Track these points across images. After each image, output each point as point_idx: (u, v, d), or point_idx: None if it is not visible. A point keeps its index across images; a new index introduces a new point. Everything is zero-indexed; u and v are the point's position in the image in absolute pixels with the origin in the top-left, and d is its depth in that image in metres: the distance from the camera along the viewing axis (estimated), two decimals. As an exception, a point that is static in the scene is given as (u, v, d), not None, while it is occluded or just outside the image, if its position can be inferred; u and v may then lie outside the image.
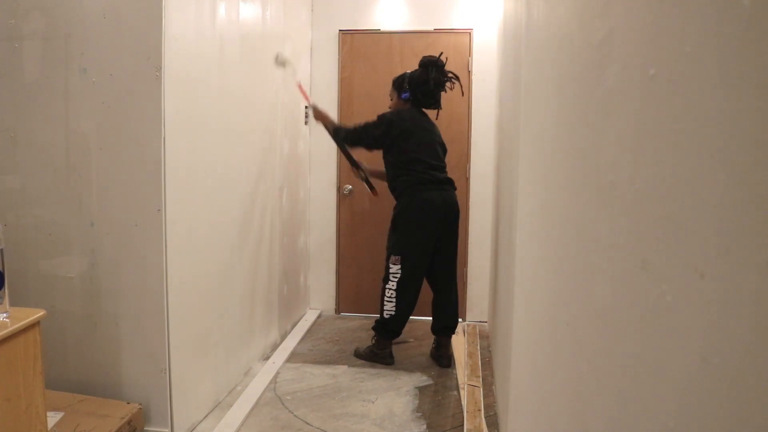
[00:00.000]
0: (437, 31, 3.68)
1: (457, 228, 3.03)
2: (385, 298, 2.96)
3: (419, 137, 2.92)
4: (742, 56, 0.38)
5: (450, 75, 3.01)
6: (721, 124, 0.41)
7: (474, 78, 3.66)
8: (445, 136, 3.71)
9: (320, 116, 3.10)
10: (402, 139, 2.90)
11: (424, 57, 3.03)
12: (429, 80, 2.94)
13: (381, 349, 3.03)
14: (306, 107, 3.32)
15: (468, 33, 3.65)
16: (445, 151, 3.08)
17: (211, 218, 2.36)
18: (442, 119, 3.74)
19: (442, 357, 3.04)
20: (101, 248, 2.04)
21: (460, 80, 3.07)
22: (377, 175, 3.21)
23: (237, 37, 2.53)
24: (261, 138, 2.91)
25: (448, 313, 3.06)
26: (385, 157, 3.03)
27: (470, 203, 3.73)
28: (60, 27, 1.99)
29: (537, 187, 1.29)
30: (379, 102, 3.73)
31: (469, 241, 3.75)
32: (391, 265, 2.94)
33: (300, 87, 3.30)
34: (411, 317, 3.80)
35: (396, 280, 2.92)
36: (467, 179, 3.72)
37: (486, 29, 3.62)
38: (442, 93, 3.04)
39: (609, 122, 0.68)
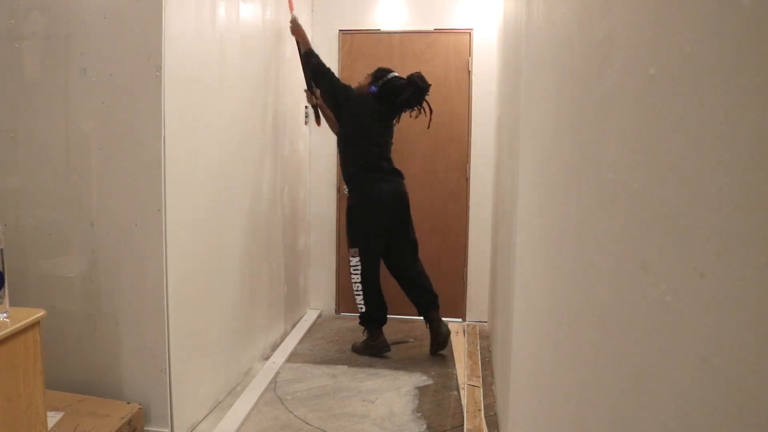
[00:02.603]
0: (437, 31, 3.68)
1: (408, 215, 3.16)
2: (355, 293, 3.10)
3: (369, 124, 3.03)
4: (742, 56, 0.38)
5: (423, 106, 3.06)
6: (721, 124, 0.41)
7: (474, 78, 3.66)
8: (445, 136, 3.73)
9: (297, 31, 3.12)
10: (353, 114, 3.03)
11: (418, 77, 3.03)
12: (401, 97, 3.00)
13: (374, 340, 3.10)
14: (305, 90, 3.30)
15: (468, 33, 3.65)
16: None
17: (211, 218, 2.36)
18: (442, 119, 3.74)
19: (440, 329, 3.09)
20: (101, 248, 2.03)
21: (431, 114, 3.10)
22: (327, 117, 3.28)
23: (237, 37, 2.53)
24: (261, 138, 2.91)
25: (425, 287, 3.14)
26: (339, 131, 3.16)
27: (470, 203, 3.73)
28: (60, 27, 1.99)
29: (537, 187, 1.29)
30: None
31: (469, 241, 3.75)
32: (350, 258, 3.08)
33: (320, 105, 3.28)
34: (410, 317, 3.83)
35: (358, 272, 3.06)
36: (467, 179, 3.72)
37: (486, 29, 3.62)
38: (411, 113, 3.11)
39: (609, 122, 0.68)
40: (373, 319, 3.09)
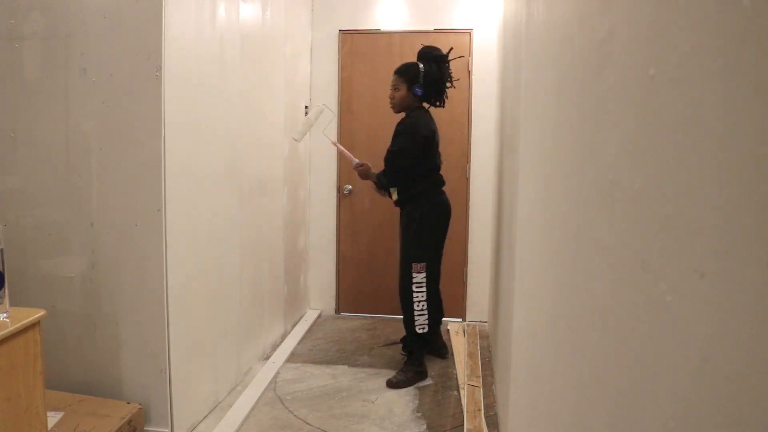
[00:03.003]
0: (437, 31, 3.68)
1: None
2: (416, 312, 2.78)
3: (437, 142, 2.83)
4: (742, 56, 0.38)
5: (450, 71, 2.89)
6: (721, 124, 0.41)
7: (474, 78, 3.66)
8: (445, 136, 3.72)
9: (364, 173, 2.86)
10: (428, 149, 2.76)
11: (430, 50, 2.81)
12: (445, 78, 2.81)
13: (419, 366, 2.82)
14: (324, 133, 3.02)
15: (468, 33, 3.65)
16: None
17: (211, 218, 2.36)
18: (442, 119, 3.74)
19: (441, 347, 3.06)
20: (101, 248, 2.04)
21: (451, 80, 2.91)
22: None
23: (237, 37, 2.53)
24: (261, 138, 2.91)
25: (439, 307, 3.00)
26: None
27: (470, 203, 3.73)
28: (60, 27, 1.99)
29: (537, 187, 1.29)
30: (379, 102, 3.73)
31: (469, 241, 3.75)
32: (414, 274, 2.77)
33: (337, 146, 2.94)
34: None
35: (422, 290, 2.77)
36: (467, 179, 3.72)
37: (486, 29, 3.62)
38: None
39: (609, 122, 0.68)
40: (425, 342, 2.87)
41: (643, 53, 0.57)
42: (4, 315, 1.34)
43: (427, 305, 2.78)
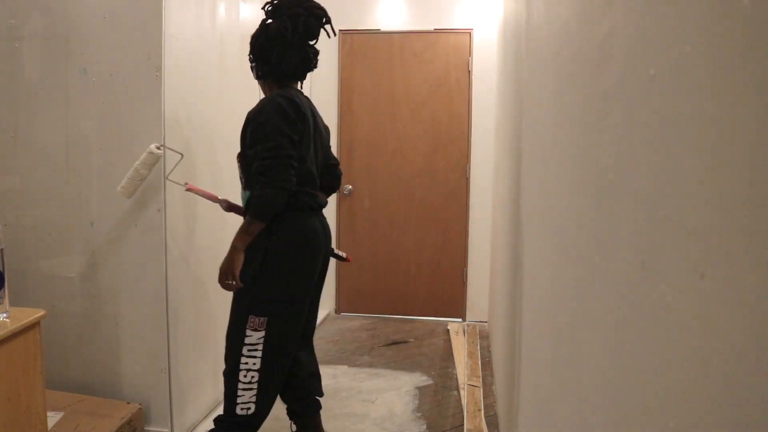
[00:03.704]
0: (437, 31, 3.68)
1: (326, 270, 2.03)
2: (240, 385, 1.78)
3: (309, 139, 1.84)
4: (743, 56, 0.38)
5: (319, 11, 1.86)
6: (721, 124, 0.41)
7: (474, 78, 3.66)
8: (445, 136, 3.72)
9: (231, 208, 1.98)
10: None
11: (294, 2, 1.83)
12: (283, 33, 1.80)
13: None
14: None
15: (468, 33, 3.65)
16: (329, 162, 2.05)
17: (211, 218, 2.36)
18: (441, 119, 3.74)
19: None
20: (101, 248, 2.03)
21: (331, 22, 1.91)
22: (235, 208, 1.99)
23: (237, 37, 2.53)
24: (261, 138, 2.91)
25: (317, 380, 2.10)
26: (242, 158, 1.92)
27: (470, 203, 3.73)
28: (60, 27, 1.99)
29: (537, 186, 1.29)
30: (379, 102, 3.74)
31: (469, 241, 3.76)
32: (249, 333, 1.76)
33: (193, 189, 1.97)
34: (410, 317, 3.83)
35: (257, 356, 1.77)
36: (467, 179, 3.73)
37: (486, 29, 3.62)
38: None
39: (609, 122, 0.68)
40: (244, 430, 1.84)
41: (643, 53, 0.57)
42: (4, 315, 1.34)
43: (260, 378, 1.79)
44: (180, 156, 2.02)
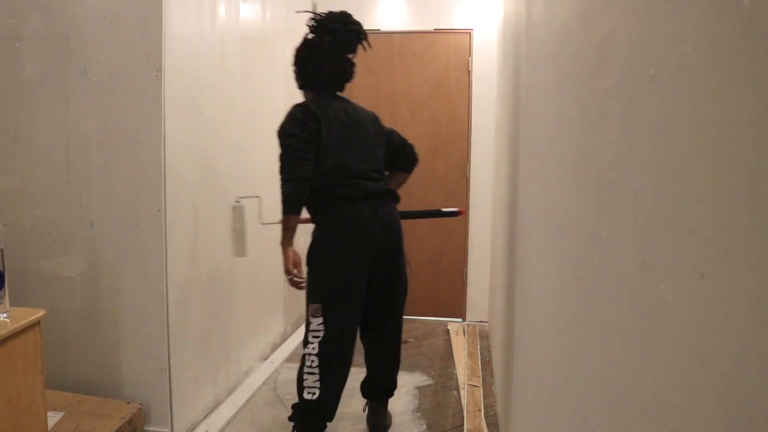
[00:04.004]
0: (437, 31, 3.68)
1: (400, 257, 2.10)
2: (305, 369, 1.94)
3: (337, 135, 2.02)
4: (743, 56, 0.38)
5: (355, 27, 2.08)
6: (721, 124, 0.41)
7: (474, 78, 3.66)
8: (445, 136, 3.72)
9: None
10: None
11: (331, 16, 2.05)
12: (321, 46, 2.02)
13: None
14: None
15: (468, 33, 3.65)
16: (391, 144, 2.23)
17: (212, 218, 2.36)
18: (441, 119, 3.73)
19: (378, 427, 2.26)
20: (101, 248, 2.03)
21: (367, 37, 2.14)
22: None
23: (237, 37, 2.53)
24: (261, 137, 2.91)
25: (384, 372, 2.23)
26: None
27: (470, 203, 3.73)
28: (60, 27, 1.99)
29: (537, 187, 1.29)
30: (379, 102, 3.73)
31: (469, 241, 3.76)
32: (311, 319, 1.95)
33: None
34: (410, 317, 3.82)
35: (318, 340, 1.93)
36: (467, 179, 3.73)
37: (486, 29, 3.62)
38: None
39: (609, 122, 0.68)
40: (315, 415, 1.97)
41: (643, 53, 0.57)
42: (4, 315, 1.34)
43: (320, 363, 1.92)
44: (258, 198, 2.32)
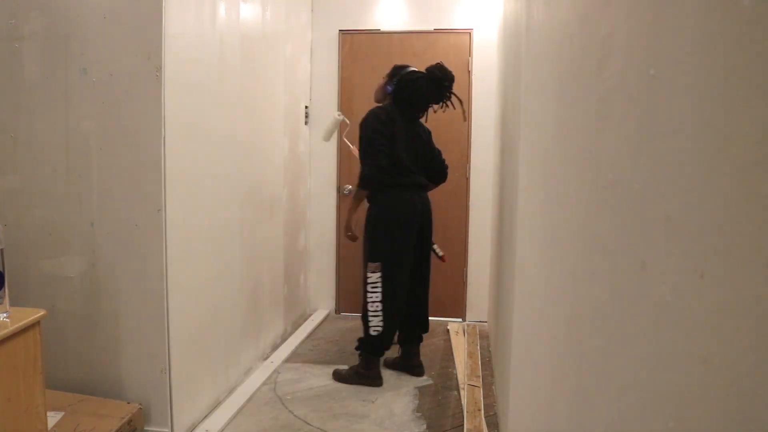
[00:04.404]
0: (437, 31, 3.68)
1: (431, 235, 2.87)
2: (369, 313, 2.70)
3: (402, 137, 2.71)
4: (742, 56, 0.38)
5: (451, 99, 2.83)
6: (721, 124, 0.41)
7: (474, 78, 3.66)
8: (446, 136, 3.71)
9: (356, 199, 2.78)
10: (389, 135, 2.70)
11: (437, 68, 2.79)
12: (420, 92, 2.75)
13: (368, 369, 2.75)
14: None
15: (468, 33, 3.65)
16: (433, 160, 2.91)
17: (211, 218, 2.36)
18: (441, 119, 3.73)
19: (416, 366, 2.89)
20: (101, 248, 2.03)
21: (462, 105, 2.89)
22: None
23: (237, 37, 2.53)
24: (261, 137, 2.91)
25: (420, 318, 2.90)
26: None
27: (470, 203, 3.73)
28: (60, 27, 1.99)
29: (537, 187, 1.29)
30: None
31: (469, 241, 3.76)
32: (369, 274, 2.68)
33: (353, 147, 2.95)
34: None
35: (378, 290, 2.68)
36: (467, 179, 3.73)
37: (486, 29, 3.62)
38: (437, 108, 2.85)
39: (609, 122, 0.68)
40: (378, 347, 2.76)
41: (643, 53, 0.57)
42: (4, 315, 1.34)
43: (383, 307, 2.67)
44: (347, 124, 3.03)
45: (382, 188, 2.68)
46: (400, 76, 2.77)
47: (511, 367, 1.72)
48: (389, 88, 2.79)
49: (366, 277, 2.69)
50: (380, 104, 2.81)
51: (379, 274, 2.66)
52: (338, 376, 2.78)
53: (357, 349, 2.79)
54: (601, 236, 0.70)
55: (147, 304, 2.02)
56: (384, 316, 2.68)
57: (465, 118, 2.99)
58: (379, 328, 2.69)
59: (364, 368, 2.75)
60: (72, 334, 2.08)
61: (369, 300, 2.68)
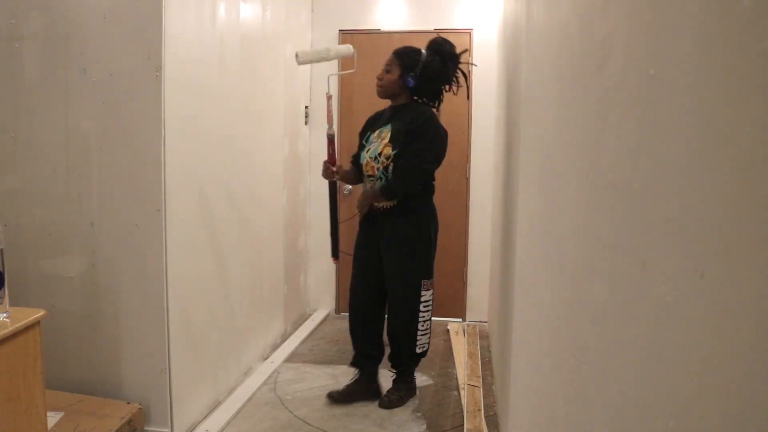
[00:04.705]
0: (437, 31, 3.67)
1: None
2: (419, 332, 2.54)
3: None
4: (742, 56, 0.38)
5: (462, 70, 2.55)
6: (721, 124, 0.41)
7: (474, 78, 3.66)
8: (445, 136, 3.72)
9: (369, 198, 2.50)
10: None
11: (441, 42, 2.48)
12: (448, 77, 2.47)
13: (412, 382, 2.64)
14: (329, 134, 2.61)
15: (468, 33, 3.65)
16: None
17: (211, 218, 2.36)
18: (442, 119, 3.72)
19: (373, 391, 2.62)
20: (101, 248, 2.03)
21: (467, 81, 2.62)
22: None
23: (237, 37, 2.53)
24: (261, 137, 2.91)
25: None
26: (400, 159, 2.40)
27: (470, 203, 3.73)
28: (60, 27, 1.99)
29: (537, 187, 1.29)
30: (378, 102, 3.73)
31: (469, 241, 3.75)
32: (423, 292, 2.49)
33: (330, 102, 2.57)
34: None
35: (429, 308, 2.54)
36: (467, 179, 3.72)
37: (486, 29, 3.62)
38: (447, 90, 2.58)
39: (609, 122, 0.68)
40: (420, 360, 2.67)
41: (643, 53, 0.57)
42: (4, 315, 1.34)
43: (431, 324, 2.58)
44: (353, 70, 2.74)
45: (428, 194, 2.49)
46: (424, 64, 2.42)
47: (511, 367, 1.72)
48: (411, 81, 2.42)
49: (419, 296, 2.48)
50: (397, 101, 2.50)
51: (431, 291, 2.52)
52: (391, 404, 2.51)
53: (395, 367, 2.62)
54: (601, 236, 0.70)
55: (147, 304, 2.02)
56: (431, 334, 2.61)
57: (468, 96, 2.68)
58: (426, 346, 2.59)
59: (412, 381, 2.63)
60: (72, 334, 2.08)
61: (421, 319, 2.51)
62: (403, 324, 2.52)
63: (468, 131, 3.69)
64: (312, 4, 3.77)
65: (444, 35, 3.68)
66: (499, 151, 2.86)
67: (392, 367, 2.64)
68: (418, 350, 2.55)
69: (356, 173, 2.63)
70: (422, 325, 2.52)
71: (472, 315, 3.79)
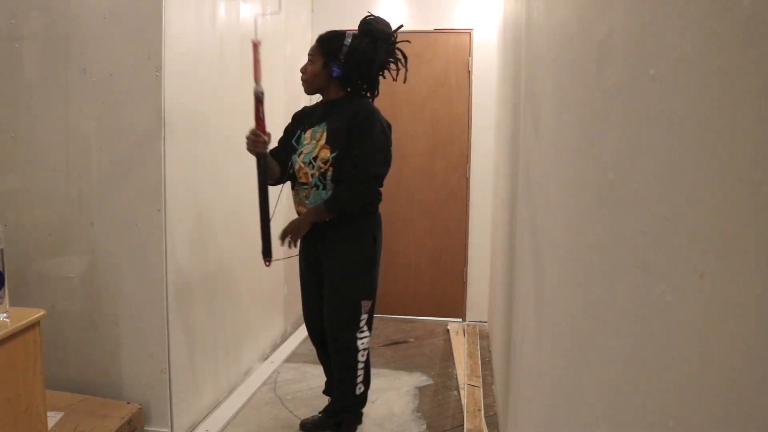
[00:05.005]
0: (437, 31, 3.68)
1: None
2: (360, 365, 2.09)
3: None
4: (742, 56, 0.38)
5: (398, 56, 2.13)
6: (721, 124, 0.41)
7: (474, 78, 3.66)
8: (445, 136, 3.72)
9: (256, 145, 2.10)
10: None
11: (369, 21, 2.10)
12: (381, 60, 2.06)
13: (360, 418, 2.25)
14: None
15: (468, 33, 3.65)
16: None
17: (211, 218, 2.36)
18: (441, 119, 3.73)
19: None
20: (101, 248, 2.03)
21: (406, 63, 2.17)
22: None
23: (237, 37, 2.53)
24: (261, 138, 2.90)
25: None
26: (342, 163, 1.99)
27: (470, 203, 3.73)
28: (60, 27, 1.99)
29: (537, 187, 1.29)
30: (378, 102, 3.73)
31: (469, 241, 3.75)
32: (363, 315, 2.06)
33: (257, 50, 1.96)
34: (410, 317, 3.83)
35: (368, 334, 2.11)
36: (467, 179, 3.72)
37: (486, 29, 3.62)
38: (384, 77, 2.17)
39: (609, 122, 0.68)
40: (363, 405, 2.24)
41: (643, 53, 0.57)
42: (4, 315, 1.34)
43: (369, 353, 2.14)
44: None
45: (375, 210, 2.12)
46: (349, 49, 2.01)
47: (511, 367, 1.72)
48: (336, 70, 2.02)
49: (357, 319, 2.05)
50: (328, 95, 2.10)
51: (366, 316, 2.07)
52: None
53: (340, 415, 2.18)
54: (601, 236, 0.70)
55: (147, 304, 2.02)
56: (369, 366, 2.15)
57: (406, 80, 2.18)
58: (367, 383, 2.17)
59: (358, 420, 2.25)
60: (72, 334, 2.08)
61: (361, 347, 2.07)
62: (343, 358, 2.10)
63: (468, 131, 3.69)
64: (312, 4, 3.77)
65: (444, 35, 3.68)
66: (500, 152, 2.86)
67: (333, 426, 2.19)
68: (357, 391, 2.12)
69: (278, 168, 2.19)
70: (362, 356, 2.09)
71: (472, 315, 3.79)
